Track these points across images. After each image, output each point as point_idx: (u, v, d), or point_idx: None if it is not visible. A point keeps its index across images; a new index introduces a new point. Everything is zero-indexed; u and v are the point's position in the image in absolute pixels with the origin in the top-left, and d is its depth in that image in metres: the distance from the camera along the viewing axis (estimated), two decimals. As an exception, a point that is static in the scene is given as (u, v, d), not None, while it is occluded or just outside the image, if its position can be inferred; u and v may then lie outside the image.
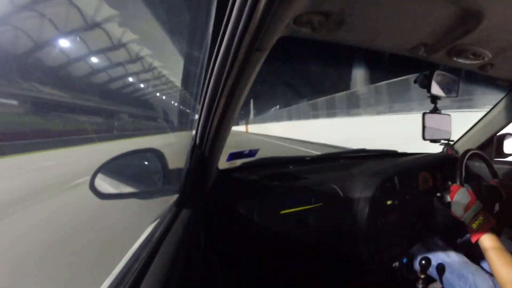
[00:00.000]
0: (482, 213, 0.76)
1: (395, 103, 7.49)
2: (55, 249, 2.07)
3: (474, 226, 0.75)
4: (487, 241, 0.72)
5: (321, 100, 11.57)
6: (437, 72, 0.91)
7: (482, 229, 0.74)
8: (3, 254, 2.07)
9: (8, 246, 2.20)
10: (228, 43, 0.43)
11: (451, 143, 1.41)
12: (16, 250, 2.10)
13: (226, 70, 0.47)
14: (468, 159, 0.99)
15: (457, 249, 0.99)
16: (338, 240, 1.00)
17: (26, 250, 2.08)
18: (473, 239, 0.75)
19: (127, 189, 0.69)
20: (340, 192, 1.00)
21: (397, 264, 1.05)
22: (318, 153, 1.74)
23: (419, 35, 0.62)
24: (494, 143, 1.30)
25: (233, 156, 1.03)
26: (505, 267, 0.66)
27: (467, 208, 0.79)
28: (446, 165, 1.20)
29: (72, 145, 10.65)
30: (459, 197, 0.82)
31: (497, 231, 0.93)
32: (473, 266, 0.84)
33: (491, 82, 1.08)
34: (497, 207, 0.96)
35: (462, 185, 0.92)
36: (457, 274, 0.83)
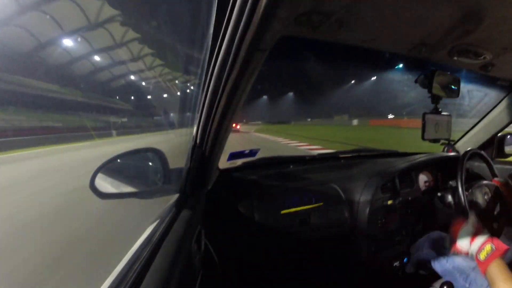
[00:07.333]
0: (489, 242, 0.71)
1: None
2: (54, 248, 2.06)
3: (482, 257, 0.70)
4: (494, 269, 0.66)
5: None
6: (438, 72, 0.91)
7: (490, 259, 0.68)
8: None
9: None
10: (229, 43, 0.42)
11: (452, 143, 1.41)
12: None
13: (227, 70, 0.47)
14: (468, 159, 0.99)
15: None
16: (339, 240, 1.00)
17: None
18: (482, 270, 0.69)
19: (128, 188, 0.69)
20: (341, 192, 1.00)
21: (397, 263, 1.05)
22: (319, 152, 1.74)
23: (420, 34, 0.61)
24: (495, 143, 1.30)
25: (233, 156, 1.03)
26: None
27: (472, 240, 0.74)
28: (446, 165, 1.20)
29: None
30: (464, 232, 0.78)
31: (497, 232, 0.93)
32: (474, 263, 0.84)
33: (492, 82, 1.08)
34: (497, 207, 0.96)
35: (462, 185, 0.92)
36: (458, 270, 0.83)
